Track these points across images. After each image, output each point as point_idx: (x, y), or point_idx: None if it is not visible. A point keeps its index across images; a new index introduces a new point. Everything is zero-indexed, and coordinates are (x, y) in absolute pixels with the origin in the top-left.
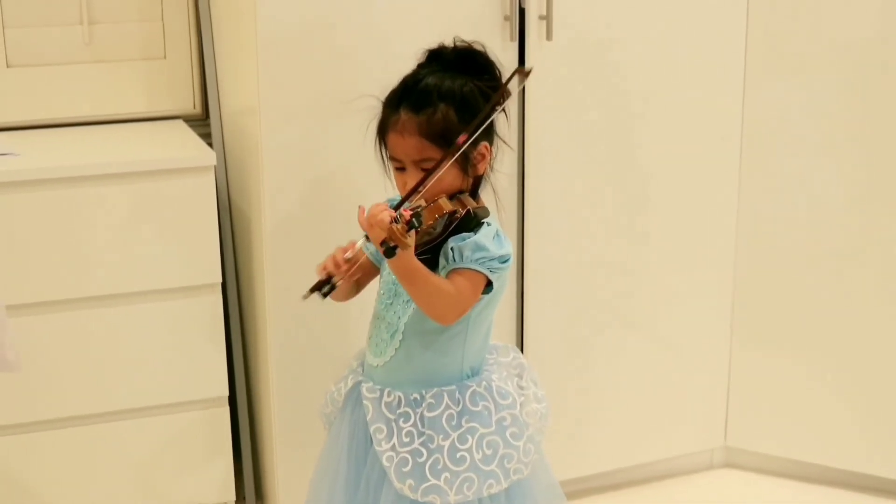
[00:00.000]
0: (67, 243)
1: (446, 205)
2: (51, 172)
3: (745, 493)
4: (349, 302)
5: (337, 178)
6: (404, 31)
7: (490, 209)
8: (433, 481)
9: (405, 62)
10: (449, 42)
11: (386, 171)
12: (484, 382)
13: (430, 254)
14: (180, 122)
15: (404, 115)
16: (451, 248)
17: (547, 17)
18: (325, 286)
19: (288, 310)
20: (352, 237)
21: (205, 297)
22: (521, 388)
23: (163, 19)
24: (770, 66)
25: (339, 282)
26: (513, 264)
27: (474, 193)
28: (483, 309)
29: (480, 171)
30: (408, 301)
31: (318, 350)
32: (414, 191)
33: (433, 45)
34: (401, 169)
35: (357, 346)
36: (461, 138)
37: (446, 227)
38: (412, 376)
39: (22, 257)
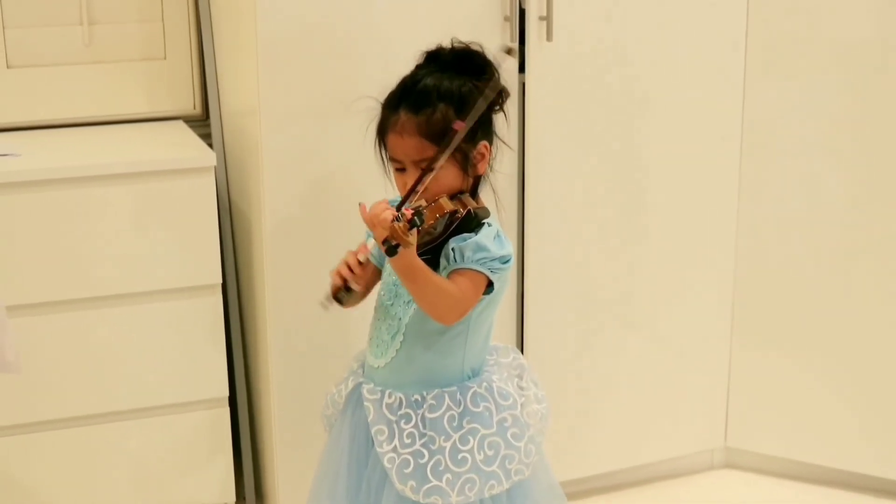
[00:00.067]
0: (67, 244)
1: (447, 204)
2: (51, 173)
3: (745, 494)
4: None
5: (337, 179)
6: (404, 32)
7: (490, 209)
8: (435, 482)
9: (405, 63)
10: (447, 43)
11: (386, 172)
12: (485, 383)
13: (431, 254)
14: (180, 123)
15: (403, 116)
16: (452, 249)
17: (547, 18)
18: (341, 292)
19: (288, 310)
20: (352, 237)
21: (205, 297)
22: (522, 388)
23: (163, 20)
24: (770, 66)
25: (356, 286)
26: (513, 264)
27: (474, 194)
28: (484, 309)
29: (480, 171)
30: (409, 302)
31: (318, 350)
32: (415, 186)
33: (432, 46)
34: (401, 170)
35: (357, 347)
36: (457, 124)
37: (447, 226)
38: (413, 377)
39: (22, 258)
